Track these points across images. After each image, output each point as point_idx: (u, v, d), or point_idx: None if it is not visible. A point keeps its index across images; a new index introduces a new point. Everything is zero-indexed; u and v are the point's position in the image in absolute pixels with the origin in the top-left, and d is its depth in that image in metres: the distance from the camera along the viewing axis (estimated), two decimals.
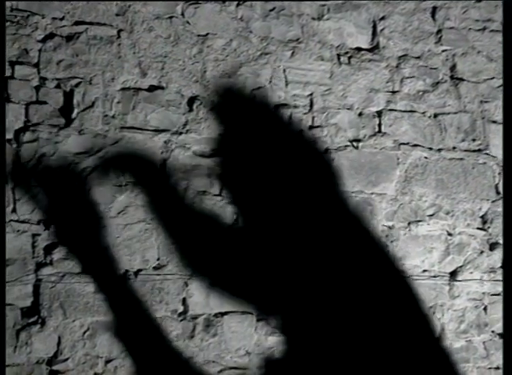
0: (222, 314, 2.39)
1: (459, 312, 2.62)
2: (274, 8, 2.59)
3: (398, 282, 2.55)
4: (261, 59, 2.56)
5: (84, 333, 2.26)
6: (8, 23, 2.30)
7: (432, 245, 2.63)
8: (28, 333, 2.21)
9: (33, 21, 2.33)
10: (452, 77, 2.76)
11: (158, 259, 2.35)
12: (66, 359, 2.23)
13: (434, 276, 2.62)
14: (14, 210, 2.24)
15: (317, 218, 2.51)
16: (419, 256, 2.61)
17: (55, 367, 2.22)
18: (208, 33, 2.52)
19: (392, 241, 2.59)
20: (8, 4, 2.30)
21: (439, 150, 2.70)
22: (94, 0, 2.39)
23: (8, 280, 2.20)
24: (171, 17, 2.48)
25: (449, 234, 2.65)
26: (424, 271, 2.61)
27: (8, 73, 2.28)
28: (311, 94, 2.59)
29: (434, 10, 2.78)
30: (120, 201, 2.34)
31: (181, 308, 2.36)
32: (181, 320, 2.35)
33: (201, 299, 2.37)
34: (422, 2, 2.77)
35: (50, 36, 2.34)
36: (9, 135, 2.26)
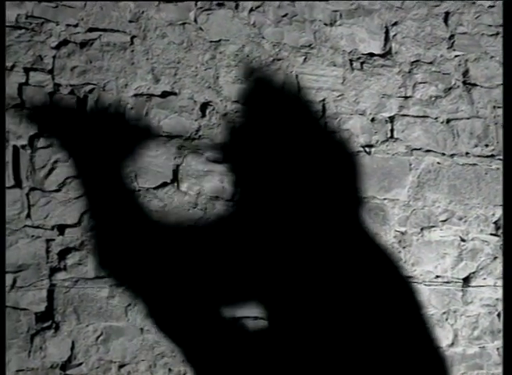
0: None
1: (472, 318, 2.61)
2: (286, 14, 2.60)
3: (402, 288, 2.54)
4: (273, 65, 2.57)
5: (98, 338, 2.27)
6: (23, 30, 2.32)
7: (444, 251, 2.63)
8: (42, 338, 2.22)
9: (47, 28, 2.34)
10: (464, 83, 2.75)
11: None
12: (80, 364, 2.24)
13: (447, 282, 2.61)
14: (28, 215, 2.25)
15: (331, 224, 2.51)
16: (432, 262, 2.60)
17: (68, 372, 2.23)
18: (220, 40, 2.53)
19: (404, 247, 2.59)
20: (23, 11, 2.32)
21: (452, 155, 2.69)
22: (109, 0, 2.41)
23: (22, 285, 2.21)
24: (184, 23, 2.50)
25: (463, 240, 2.65)
26: (437, 277, 2.60)
27: (22, 79, 2.30)
28: (324, 100, 2.60)
29: (446, 15, 2.78)
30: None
31: None
32: None
33: None
34: (435, 8, 2.77)
35: (64, 42, 2.36)
36: (24, 141, 2.28)
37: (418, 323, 2.52)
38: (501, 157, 2.72)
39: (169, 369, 2.33)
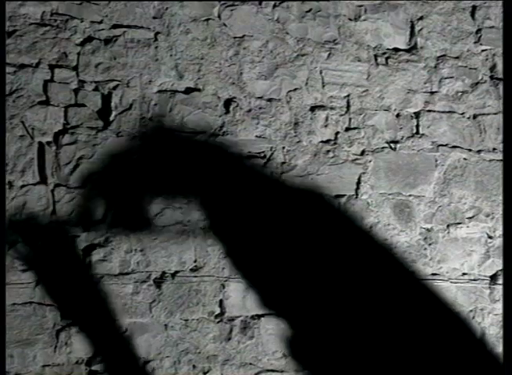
0: (259, 316, 2.39)
1: (500, 316, 2.57)
2: (310, 10, 2.58)
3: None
4: (297, 61, 2.55)
5: (122, 334, 2.27)
6: (48, 27, 2.33)
7: (471, 248, 2.59)
8: (68, 334, 2.23)
9: (72, 25, 2.35)
10: (492, 77, 2.71)
11: (195, 261, 2.36)
12: None
13: (474, 280, 2.58)
14: (53, 212, 2.26)
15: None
16: (458, 259, 2.57)
17: (94, 367, 2.24)
18: (244, 35, 2.52)
19: (430, 244, 2.56)
20: (48, 8, 2.33)
21: (479, 151, 2.66)
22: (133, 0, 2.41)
23: None
24: (207, 19, 2.49)
25: (490, 237, 2.61)
26: (464, 274, 2.57)
27: (47, 76, 2.31)
28: (348, 96, 2.57)
29: (473, 9, 2.74)
30: (158, 202, 2.35)
31: (218, 310, 2.36)
32: (218, 322, 2.36)
33: (238, 301, 2.37)
34: (461, 2, 2.73)
35: (88, 39, 2.37)
36: (49, 138, 2.29)
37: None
38: None
39: (193, 366, 2.33)
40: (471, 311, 2.56)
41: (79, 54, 2.35)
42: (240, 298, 2.37)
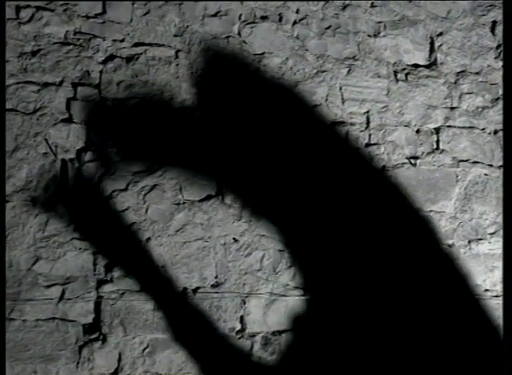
0: (280, 332, 2.38)
1: None
2: (330, 26, 2.60)
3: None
4: (317, 77, 2.56)
5: (144, 350, 2.28)
6: (71, 46, 2.36)
7: (493, 264, 2.57)
8: (90, 350, 2.24)
9: (94, 43, 2.38)
10: None
11: (216, 277, 2.36)
12: None
13: (496, 296, 2.55)
14: (75, 229, 2.28)
15: (381, 233, 2.49)
16: (480, 275, 2.55)
17: None
18: (264, 52, 2.53)
19: (452, 260, 2.54)
20: (71, 28, 2.36)
21: (500, 167, 2.64)
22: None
23: (70, 297, 2.24)
24: (228, 37, 2.51)
25: None
26: (486, 291, 2.55)
27: (70, 94, 2.34)
28: (368, 112, 2.58)
29: (493, 25, 2.74)
30: (178, 219, 2.36)
31: (239, 326, 2.36)
32: (239, 338, 2.36)
33: (259, 317, 2.37)
34: (481, 17, 2.73)
35: (110, 57, 2.40)
36: (71, 155, 2.31)
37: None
38: None
39: None
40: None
41: (101, 72, 2.38)
42: (260, 314, 2.37)
